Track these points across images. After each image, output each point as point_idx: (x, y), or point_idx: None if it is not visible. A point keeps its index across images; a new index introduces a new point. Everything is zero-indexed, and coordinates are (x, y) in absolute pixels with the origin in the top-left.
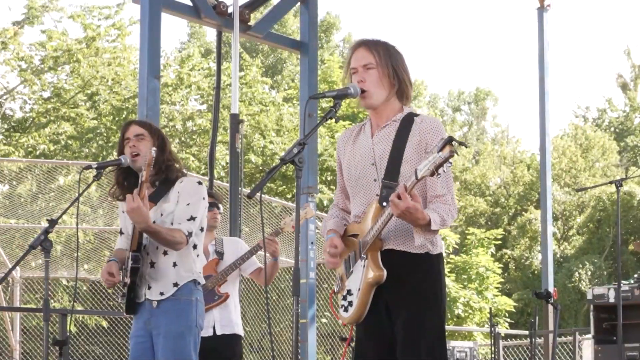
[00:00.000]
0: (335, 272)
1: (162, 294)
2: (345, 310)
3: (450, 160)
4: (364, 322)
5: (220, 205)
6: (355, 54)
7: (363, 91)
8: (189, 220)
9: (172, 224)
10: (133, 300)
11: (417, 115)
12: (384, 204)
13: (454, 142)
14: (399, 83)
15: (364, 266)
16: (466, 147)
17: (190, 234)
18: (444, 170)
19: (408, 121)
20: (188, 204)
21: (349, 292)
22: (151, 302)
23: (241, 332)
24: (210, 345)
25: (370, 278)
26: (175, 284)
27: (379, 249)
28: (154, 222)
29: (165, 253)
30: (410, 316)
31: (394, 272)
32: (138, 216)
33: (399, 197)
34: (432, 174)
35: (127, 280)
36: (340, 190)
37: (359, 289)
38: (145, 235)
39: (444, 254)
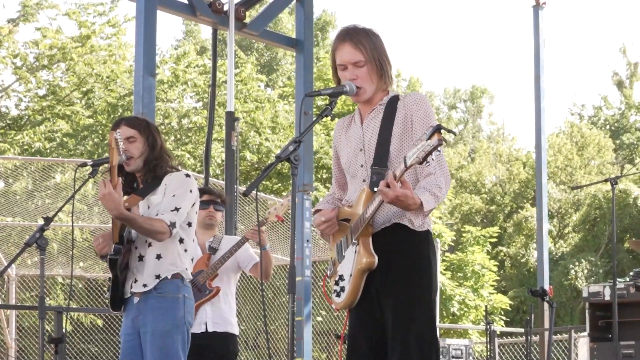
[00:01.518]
0: (330, 258)
1: (145, 285)
2: (338, 295)
3: (439, 148)
4: (356, 308)
5: (219, 202)
6: (341, 50)
7: (358, 88)
8: (172, 210)
9: (157, 215)
10: (118, 296)
11: (400, 95)
12: (375, 189)
13: (442, 130)
14: (385, 72)
15: (355, 252)
16: (455, 134)
17: (173, 224)
18: (432, 159)
19: (392, 103)
20: (174, 196)
21: (341, 278)
22: (134, 296)
23: (235, 331)
24: (202, 342)
25: (361, 264)
26: (157, 276)
27: (370, 235)
28: (141, 215)
29: (149, 245)
30: (398, 300)
31: (383, 256)
32: (109, 202)
33: (388, 186)
34: (420, 163)
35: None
36: (336, 181)
37: (350, 275)
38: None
39: (440, 252)
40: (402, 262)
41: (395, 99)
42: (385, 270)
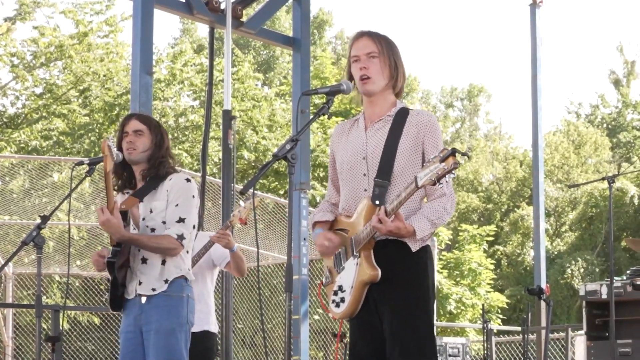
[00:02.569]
0: (324, 265)
1: (154, 289)
2: (337, 306)
3: (454, 172)
4: (356, 318)
5: None
6: (357, 43)
7: (367, 77)
8: (178, 222)
9: (163, 222)
10: (119, 297)
11: (410, 109)
12: (377, 202)
13: (457, 154)
14: (397, 75)
15: (356, 264)
16: (469, 157)
17: (181, 237)
18: (446, 181)
19: (402, 116)
20: (177, 205)
21: (341, 289)
22: (141, 297)
23: (213, 329)
24: None
25: (364, 277)
26: (166, 280)
27: (372, 248)
28: (143, 218)
29: (148, 250)
30: (395, 310)
31: (381, 266)
32: (109, 228)
33: (380, 221)
34: (433, 184)
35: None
36: (332, 185)
37: (351, 287)
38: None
39: (437, 250)
40: (400, 272)
41: (404, 112)
42: (383, 280)
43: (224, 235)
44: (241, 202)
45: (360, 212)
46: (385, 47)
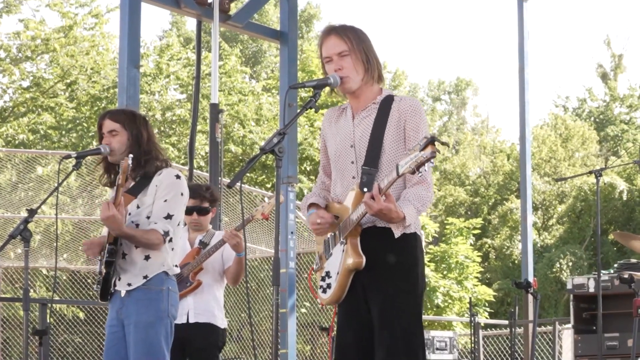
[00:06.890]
0: (315, 251)
1: (129, 284)
2: (324, 291)
3: (432, 160)
4: (343, 304)
5: (205, 207)
6: (326, 43)
7: (343, 78)
8: (165, 218)
9: (147, 217)
10: (107, 289)
11: (395, 96)
12: (365, 189)
13: (436, 142)
14: (370, 66)
15: (343, 251)
16: (448, 147)
17: (166, 233)
18: (425, 169)
19: (387, 103)
20: (165, 201)
21: (328, 275)
22: (121, 291)
23: (219, 324)
24: (183, 334)
25: (349, 264)
26: (145, 277)
27: (358, 235)
28: (129, 213)
29: (136, 245)
30: (384, 298)
31: (370, 253)
32: (112, 223)
33: (372, 198)
34: (413, 172)
35: (103, 270)
36: (322, 169)
37: (337, 273)
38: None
39: (424, 243)
40: (388, 260)
41: (389, 99)
42: (372, 267)
43: (235, 235)
44: (266, 199)
45: (348, 199)
46: (355, 42)
